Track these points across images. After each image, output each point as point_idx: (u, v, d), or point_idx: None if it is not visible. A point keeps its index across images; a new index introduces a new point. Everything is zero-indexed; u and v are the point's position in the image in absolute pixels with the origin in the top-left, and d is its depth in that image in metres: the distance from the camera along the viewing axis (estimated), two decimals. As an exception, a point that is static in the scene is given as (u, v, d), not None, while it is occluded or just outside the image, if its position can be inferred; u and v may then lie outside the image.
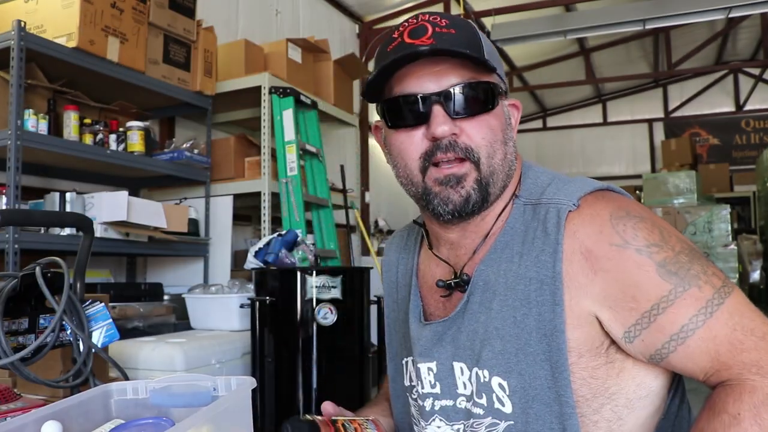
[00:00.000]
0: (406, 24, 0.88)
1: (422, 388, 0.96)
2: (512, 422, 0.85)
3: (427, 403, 0.95)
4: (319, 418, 0.88)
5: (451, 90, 0.85)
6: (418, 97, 0.86)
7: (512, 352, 0.85)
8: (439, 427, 0.94)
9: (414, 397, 1.00)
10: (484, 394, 0.87)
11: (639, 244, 0.82)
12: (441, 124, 0.85)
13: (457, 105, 0.85)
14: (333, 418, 0.90)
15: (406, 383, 1.03)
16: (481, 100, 0.87)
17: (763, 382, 0.75)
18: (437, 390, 0.94)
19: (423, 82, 0.87)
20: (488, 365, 0.87)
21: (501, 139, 0.89)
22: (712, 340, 0.78)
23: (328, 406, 0.98)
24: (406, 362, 1.02)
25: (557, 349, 0.82)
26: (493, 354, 0.86)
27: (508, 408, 0.85)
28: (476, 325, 0.89)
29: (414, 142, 0.89)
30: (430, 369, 0.94)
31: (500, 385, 0.86)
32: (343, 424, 0.87)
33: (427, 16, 0.88)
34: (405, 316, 1.03)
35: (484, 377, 0.87)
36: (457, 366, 0.91)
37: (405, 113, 0.88)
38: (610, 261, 0.82)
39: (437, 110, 0.85)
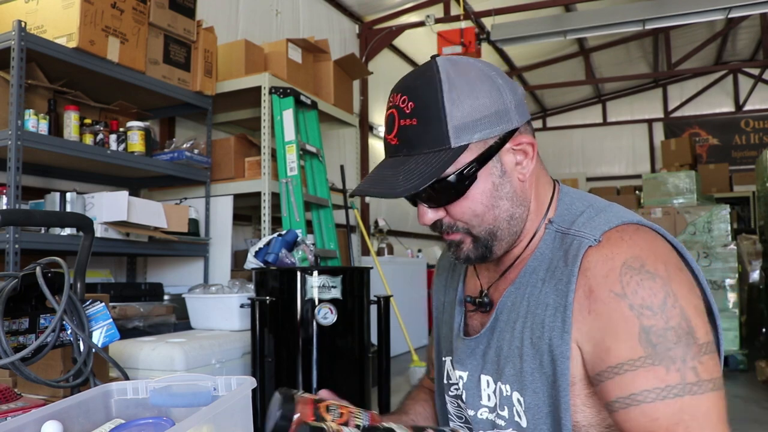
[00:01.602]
0: (388, 105, 0.93)
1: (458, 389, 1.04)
2: None
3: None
4: (307, 395, 0.86)
5: (424, 190, 0.90)
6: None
7: (528, 371, 0.90)
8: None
9: (451, 395, 1.07)
10: (506, 407, 0.93)
11: (634, 301, 0.82)
12: (424, 215, 0.94)
13: (431, 200, 0.92)
14: (318, 398, 0.89)
15: (445, 380, 1.09)
16: (452, 190, 0.90)
17: None
18: (464, 397, 1.01)
19: None
20: (509, 381, 0.92)
21: (485, 207, 0.92)
22: (652, 420, 0.79)
23: (323, 392, 1.00)
24: (446, 361, 1.09)
25: (561, 374, 0.86)
26: (514, 371, 0.92)
27: (524, 422, 0.91)
28: (502, 342, 0.95)
29: (420, 217, 0.99)
30: (461, 377, 1.01)
31: (518, 401, 0.91)
32: (327, 407, 0.84)
33: (398, 97, 0.90)
34: (450, 321, 1.11)
35: (506, 391, 0.93)
36: (484, 379, 0.97)
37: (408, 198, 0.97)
38: (603, 306, 0.84)
39: (420, 205, 0.95)
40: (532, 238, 0.97)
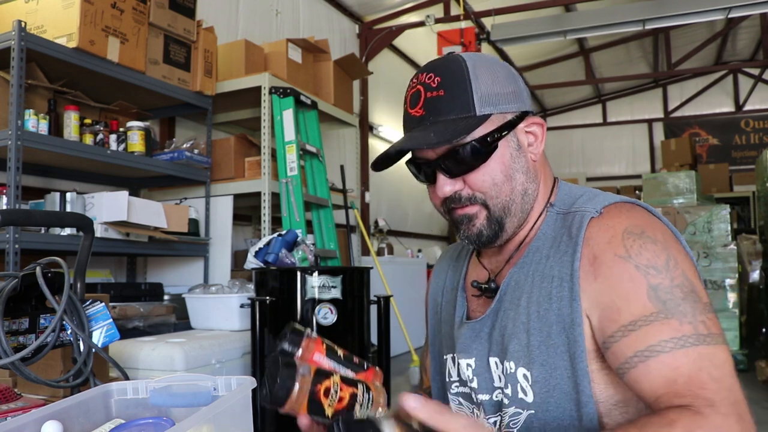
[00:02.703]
0: (411, 86, 0.98)
1: (462, 383, 1.04)
2: (533, 411, 0.91)
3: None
4: (314, 336, 0.84)
5: (445, 156, 0.94)
6: (422, 162, 0.98)
7: (535, 344, 0.92)
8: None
9: (453, 392, 1.07)
10: (509, 384, 0.94)
11: (640, 261, 0.85)
12: (443, 186, 0.96)
13: (452, 167, 0.95)
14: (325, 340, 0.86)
15: (446, 379, 1.10)
16: (474, 156, 0.93)
17: (711, 414, 0.75)
18: (474, 385, 1.01)
19: (423, 152, 0.98)
20: (514, 357, 0.94)
21: (503, 178, 0.95)
22: (673, 369, 0.79)
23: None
24: (447, 359, 1.10)
25: (574, 341, 0.88)
26: (520, 347, 0.93)
27: (530, 397, 0.92)
28: (506, 321, 0.97)
29: (433, 194, 1.01)
30: (468, 365, 1.02)
31: (524, 376, 0.92)
32: (326, 389, 0.77)
33: (424, 75, 0.96)
34: (450, 317, 1.12)
35: (510, 369, 0.94)
36: (492, 361, 0.99)
37: (419, 172, 1.00)
38: (609, 269, 0.87)
39: (438, 174, 0.96)
40: (535, 222, 1.01)
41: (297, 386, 0.73)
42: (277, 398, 0.73)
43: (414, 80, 0.99)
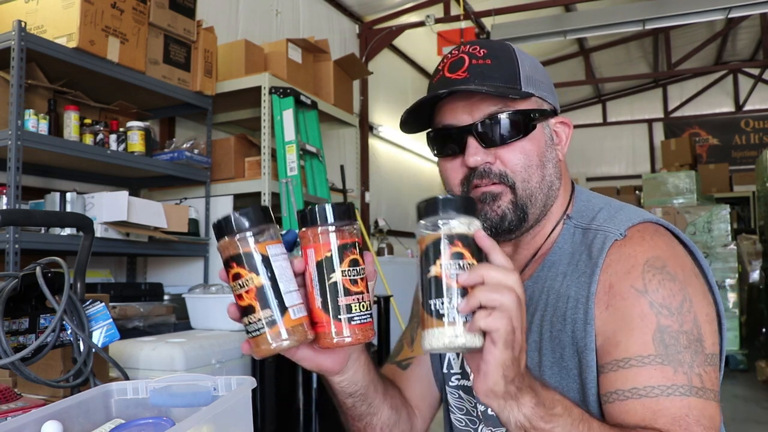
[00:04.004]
0: (449, 56, 0.95)
1: (464, 376, 1.02)
2: None
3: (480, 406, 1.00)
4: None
5: (483, 121, 0.90)
6: (453, 129, 0.93)
7: (547, 365, 0.90)
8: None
9: (453, 385, 1.04)
10: None
11: (655, 299, 0.83)
12: (473, 155, 0.90)
13: (489, 135, 0.90)
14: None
15: (445, 370, 1.06)
16: (513, 128, 0.90)
17: None
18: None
19: (458, 114, 0.92)
20: None
21: (537, 162, 0.92)
22: (654, 411, 0.77)
23: None
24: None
25: (587, 366, 0.85)
26: (532, 365, 0.91)
27: None
28: None
29: (455, 169, 0.95)
30: None
31: None
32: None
33: (467, 47, 0.93)
34: None
35: None
36: None
37: (445, 143, 0.94)
38: (623, 301, 0.84)
39: (470, 141, 0.91)
40: (552, 231, 0.98)
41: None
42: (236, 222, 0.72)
43: (454, 51, 0.96)
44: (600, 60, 10.57)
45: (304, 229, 0.75)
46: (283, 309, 0.72)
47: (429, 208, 0.71)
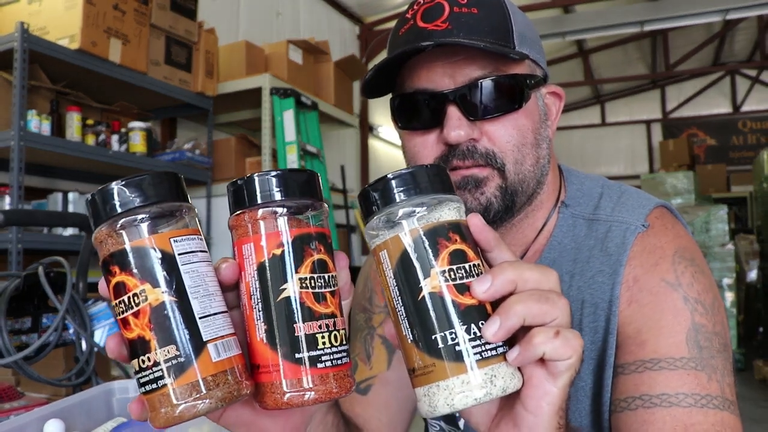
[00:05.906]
0: (422, 1, 0.74)
1: None
2: None
3: None
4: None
5: (469, 87, 0.71)
6: (429, 94, 0.73)
7: None
8: None
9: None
10: None
11: (689, 293, 0.71)
12: (455, 128, 0.71)
13: (476, 104, 0.71)
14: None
15: None
16: (506, 98, 0.72)
17: None
18: None
19: (436, 77, 0.72)
20: None
21: (532, 141, 0.75)
22: (686, 426, 0.64)
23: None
24: None
25: (604, 386, 0.73)
26: None
27: None
28: None
29: (428, 146, 0.75)
30: None
31: None
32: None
33: None
34: None
35: None
36: None
37: (416, 113, 0.74)
38: (650, 296, 0.71)
39: (452, 111, 0.71)
40: (545, 222, 0.81)
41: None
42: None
43: None
44: (599, 61, 10.57)
45: (237, 212, 0.49)
46: (199, 345, 0.44)
47: (395, 190, 0.47)
